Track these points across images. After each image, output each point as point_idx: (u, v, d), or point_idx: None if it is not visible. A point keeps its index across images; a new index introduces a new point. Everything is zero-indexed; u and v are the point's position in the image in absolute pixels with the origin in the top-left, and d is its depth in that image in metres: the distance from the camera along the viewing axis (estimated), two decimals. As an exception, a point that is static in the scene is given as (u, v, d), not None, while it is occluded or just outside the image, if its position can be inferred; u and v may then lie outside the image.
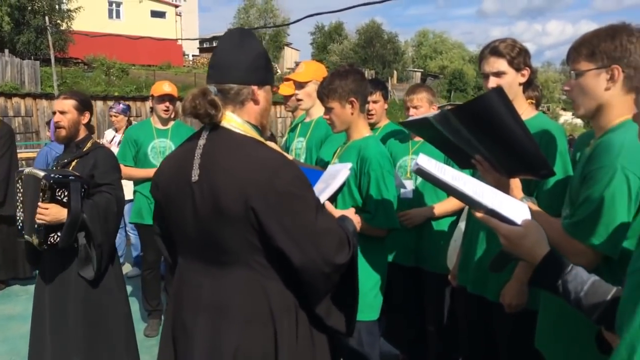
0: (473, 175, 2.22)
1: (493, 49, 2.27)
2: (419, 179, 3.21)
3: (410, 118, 2.90)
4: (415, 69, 43.78)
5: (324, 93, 2.57)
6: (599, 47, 1.68)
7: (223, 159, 1.58)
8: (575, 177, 1.82)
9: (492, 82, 2.23)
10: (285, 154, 3.01)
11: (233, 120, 1.65)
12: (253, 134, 1.67)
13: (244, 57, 1.64)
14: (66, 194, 2.71)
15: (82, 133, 3.06)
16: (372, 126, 3.63)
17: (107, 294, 2.90)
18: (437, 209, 3.16)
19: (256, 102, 1.68)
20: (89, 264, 2.80)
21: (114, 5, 35.98)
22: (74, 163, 2.95)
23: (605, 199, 1.62)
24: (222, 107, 1.62)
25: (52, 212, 2.68)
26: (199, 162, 1.60)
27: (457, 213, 3.20)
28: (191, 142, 1.69)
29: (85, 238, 2.79)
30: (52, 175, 2.69)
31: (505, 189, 1.90)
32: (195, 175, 1.60)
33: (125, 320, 3.01)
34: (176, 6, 40.52)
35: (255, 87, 1.67)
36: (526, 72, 2.28)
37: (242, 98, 1.65)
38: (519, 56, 2.24)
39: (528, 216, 1.39)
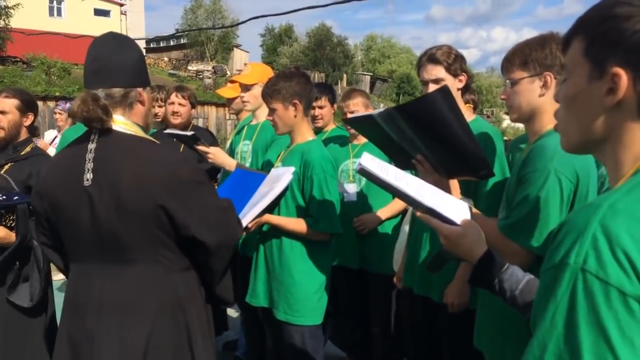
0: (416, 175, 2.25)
1: (430, 57, 2.33)
2: (363, 182, 3.24)
3: (355, 114, 2.92)
4: (365, 73, 44.24)
5: (268, 93, 2.56)
6: (530, 56, 1.77)
7: (121, 160, 1.61)
8: (512, 180, 1.88)
9: (432, 89, 2.28)
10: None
11: (123, 123, 1.68)
12: (143, 134, 1.72)
13: (127, 61, 1.68)
14: (12, 218, 2.52)
15: (23, 135, 2.83)
16: (320, 130, 3.64)
17: (31, 314, 2.66)
18: (386, 211, 3.18)
19: (142, 103, 1.74)
20: (23, 289, 2.59)
21: (55, 2, 34.70)
22: (7, 166, 2.71)
23: (539, 200, 1.68)
24: (112, 111, 1.65)
25: (1, 236, 2.48)
26: (91, 165, 1.61)
27: (402, 214, 3.25)
28: (77, 147, 1.68)
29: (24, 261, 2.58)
30: None
31: (445, 190, 1.94)
32: (87, 179, 1.60)
33: (52, 337, 2.80)
34: (121, 5, 39.47)
35: (140, 89, 1.73)
36: (463, 78, 2.36)
37: (130, 101, 1.70)
38: (455, 62, 2.31)
39: (468, 216, 1.42)
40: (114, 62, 1.66)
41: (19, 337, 2.66)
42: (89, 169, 1.61)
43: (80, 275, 1.70)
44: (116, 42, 1.70)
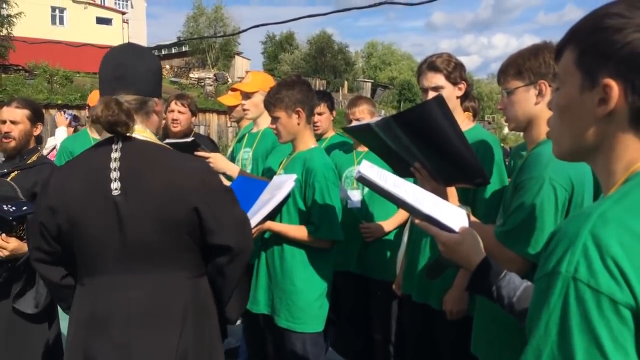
0: (415, 183, 2.27)
1: (430, 65, 2.35)
2: (367, 189, 3.25)
3: (353, 124, 2.94)
4: (366, 79, 44.33)
5: (271, 102, 2.58)
6: (524, 65, 1.80)
7: (149, 168, 1.62)
8: (509, 187, 1.90)
9: (431, 96, 2.30)
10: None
11: (143, 131, 1.69)
12: (160, 142, 1.75)
13: (148, 71, 1.72)
14: (23, 228, 2.52)
15: (31, 144, 2.87)
16: (319, 137, 3.65)
17: (34, 321, 2.66)
18: (392, 223, 3.19)
19: (158, 113, 1.77)
20: (28, 295, 2.60)
21: (57, 11, 34.85)
22: (13, 174, 2.74)
23: (534, 208, 1.70)
24: None
25: (15, 246, 2.49)
26: (117, 174, 1.60)
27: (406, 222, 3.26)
28: (95, 158, 1.67)
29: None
30: (6, 207, 2.47)
31: (443, 197, 1.96)
32: (116, 188, 1.59)
33: (54, 345, 2.77)
34: (123, 13, 39.65)
35: (157, 99, 1.75)
36: (462, 86, 2.38)
37: (147, 110, 1.72)
38: (455, 70, 2.33)
39: (466, 223, 1.44)
40: (137, 70, 1.68)
41: (20, 345, 2.67)
42: (115, 178, 1.60)
43: (100, 289, 1.66)
44: (138, 52, 1.75)
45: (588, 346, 0.72)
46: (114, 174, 1.60)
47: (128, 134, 1.63)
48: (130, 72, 1.67)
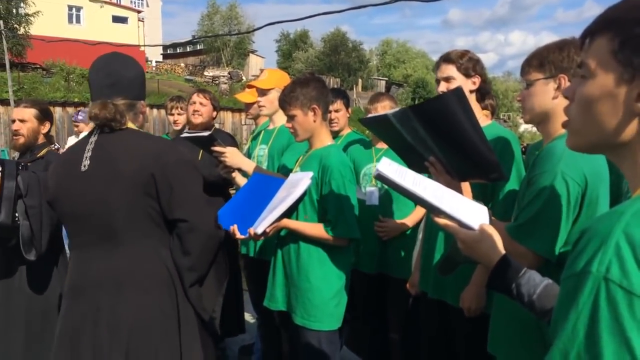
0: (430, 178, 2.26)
1: (444, 57, 2.40)
2: (385, 186, 3.23)
3: (370, 115, 2.93)
4: (380, 78, 44.26)
5: (286, 101, 2.56)
6: (547, 57, 1.78)
7: (118, 144, 1.89)
8: (523, 183, 1.88)
9: (442, 87, 2.36)
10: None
11: (129, 126, 1.98)
12: (140, 130, 2.03)
13: (135, 77, 2.02)
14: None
15: (40, 141, 3.06)
16: (335, 134, 3.65)
17: (52, 295, 2.82)
18: (409, 221, 3.18)
19: (143, 114, 2.08)
20: (31, 244, 2.67)
21: (74, 10, 35.25)
22: None
23: (545, 203, 1.68)
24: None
25: None
26: (89, 154, 1.89)
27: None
28: (79, 144, 1.97)
29: (26, 216, 2.67)
30: None
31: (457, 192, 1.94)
32: (85, 165, 1.87)
33: None
34: (139, 11, 39.95)
35: (142, 102, 2.06)
36: (476, 80, 2.37)
37: (136, 111, 2.03)
38: (468, 63, 2.34)
39: (485, 220, 1.42)
40: (126, 77, 1.98)
41: (39, 336, 2.78)
42: (86, 157, 1.88)
43: (79, 261, 1.92)
44: (124, 60, 2.02)
45: (618, 348, 0.69)
46: (87, 154, 1.89)
47: (123, 127, 1.92)
48: (121, 79, 1.96)
